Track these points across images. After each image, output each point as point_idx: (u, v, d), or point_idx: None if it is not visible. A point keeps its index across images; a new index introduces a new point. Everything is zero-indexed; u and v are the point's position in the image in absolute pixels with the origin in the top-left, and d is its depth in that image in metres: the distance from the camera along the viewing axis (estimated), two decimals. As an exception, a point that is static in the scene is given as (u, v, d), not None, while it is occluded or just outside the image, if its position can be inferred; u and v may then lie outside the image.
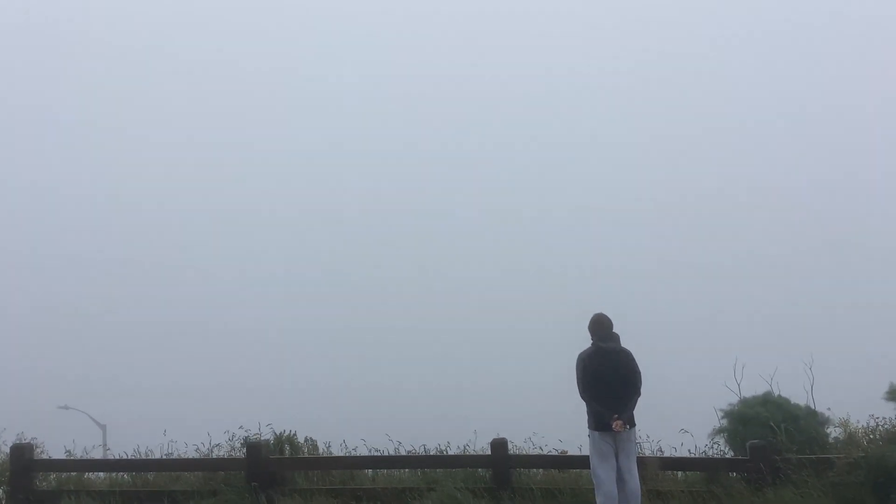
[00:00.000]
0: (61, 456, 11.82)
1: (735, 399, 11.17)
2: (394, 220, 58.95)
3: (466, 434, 11.29)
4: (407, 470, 11.11)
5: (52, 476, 11.70)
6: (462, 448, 11.13)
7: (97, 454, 12.73)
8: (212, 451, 11.63)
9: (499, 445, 10.42)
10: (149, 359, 44.73)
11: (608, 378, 9.05)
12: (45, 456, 11.76)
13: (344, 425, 12.60)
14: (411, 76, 64.39)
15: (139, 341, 47.15)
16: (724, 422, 10.94)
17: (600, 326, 9.30)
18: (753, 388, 11.26)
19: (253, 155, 62.63)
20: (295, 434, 11.50)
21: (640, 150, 60.94)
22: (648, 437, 10.58)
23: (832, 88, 57.30)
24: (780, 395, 10.98)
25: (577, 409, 9.36)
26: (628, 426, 8.98)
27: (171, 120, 62.97)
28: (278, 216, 59.30)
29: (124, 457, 11.85)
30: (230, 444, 11.60)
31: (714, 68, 63.01)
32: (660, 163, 59.79)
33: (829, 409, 10.81)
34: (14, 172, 57.82)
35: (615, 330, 9.35)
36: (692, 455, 10.64)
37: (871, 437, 10.12)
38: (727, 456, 10.64)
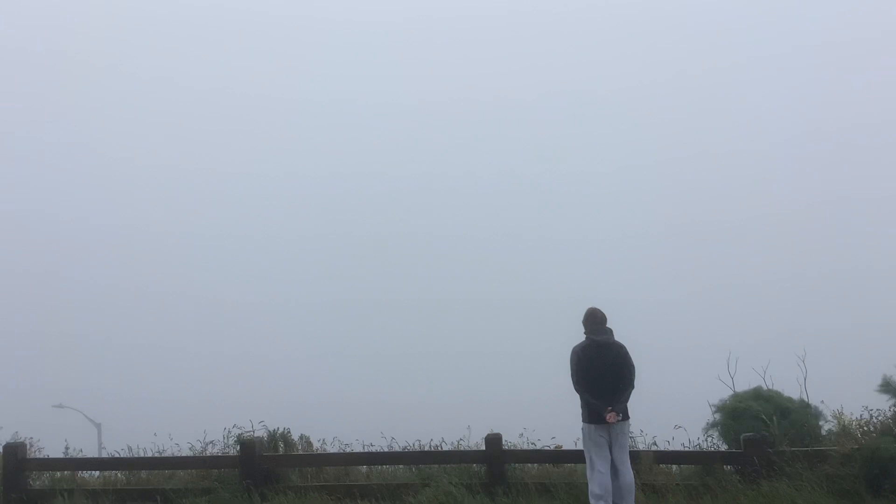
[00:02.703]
0: (55, 455, 11.80)
1: (728, 393, 11.18)
2: (389, 216, 58.88)
3: (460, 429, 11.28)
4: (401, 466, 11.09)
5: (46, 475, 11.66)
6: (456, 443, 11.11)
7: (91, 453, 12.69)
8: (205, 449, 11.60)
9: (493, 441, 10.40)
10: (143, 357, 44.71)
11: (602, 371, 9.07)
12: (39, 455, 11.72)
13: (338, 422, 12.58)
14: (414, 90, 64.43)
15: (134, 340, 47.10)
16: (718, 415, 10.94)
17: (594, 320, 9.32)
18: (747, 381, 11.28)
19: (258, 167, 62.53)
20: (289, 431, 11.46)
21: (637, 147, 60.97)
22: (642, 431, 10.59)
23: (829, 107, 57.47)
24: (772, 389, 10.99)
25: (571, 403, 9.37)
26: (621, 416, 8.99)
27: (175, 133, 62.92)
28: (278, 213, 59.19)
29: (118, 455, 11.82)
30: (224, 442, 11.58)
31: (715, 86, 63.19)
32: (657, 158, 59.77)
33: (822, 401, 10.82)
34: (11, 171, 57.66)
35: (609, 324, 9.36)
36: (686, 448, 10.64)
37: (865, 429, 10.12)
38: (721, 449, 10.64)
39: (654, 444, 10.63)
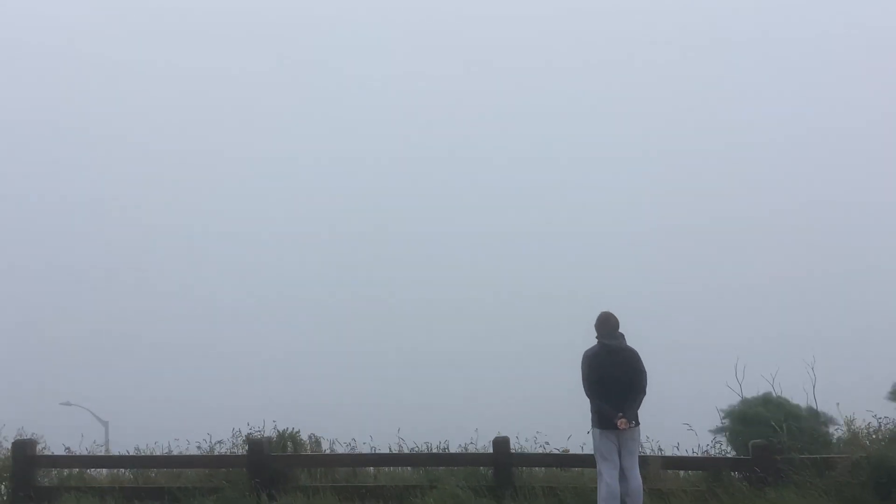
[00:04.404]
0: (63, 452, 11.84)
1: (737, 399, 11.17)
2: (396, 217, 58.87)
3: (468, 432, 11.29)
4: (409, 468, 11.10)
5: (54, 472, 11.70)
6: (464, 446, 11.12)
7: (99, 450, 12.72)
8: (214, 448, 11.62)
9: (501, 443, 10.40)
10: (151, 355, 44.83)
11: (614, 376, 9.02)
12: (47, 452, 11.76)
13: (346, 423, 12.60)
14: (411, 84, 64.38)
15: (142, 338, 47.24)
16: (726, 421, 10.93)
17: (607, 324, 9.27)
18: (755, 387, 11.26)
19: (259, 170, 62.62)
20: (298, 431, 11.50)
21: (646, 152, 60.86)
22: (649, 437, 10.57)
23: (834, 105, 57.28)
24: (781, 395, 10.98)
25: (579, 407, 9.35)
26: (632, 423, 8.97)
27: (172, 131, 63.07)
28: (283, 212, 59.26)
29: (126, 453, 11.86)
30: (233, 441, 11.61)
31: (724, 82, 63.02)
32: (666, 168, 59.61)
33: (838, 403, 10.78)
34: (15, 175, 57.85)
35: (620, 329, 9.33)
36: (694, 454, 10.63)
37: (874, 437, 10.10)
38: (729, 455, 10.63)
39: (661, 449, 10.63)
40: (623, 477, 8.99)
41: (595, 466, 9.24)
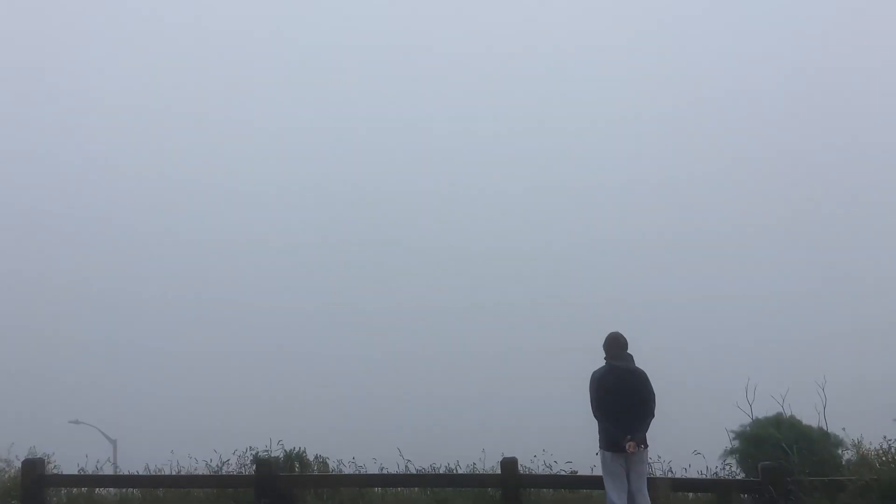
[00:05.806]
0: (72, 471, 11.86)
1: (747, 420, 11.12)
2: (403, 235, 58.89)
3: (476, 452, 11.24)
4: (416, 489, 11.07)
5: (63, 491, 11.73)
6: (471, 467, 11.08)
7: (107, 469, 12.75)
8: (222, 468, 11.63)
9: (509, 464, 10.36)
10: (160, 374, 44.89)
11: (622, 398, 8.97)
12: (56, 470, 11.79)
13: (354, 443, 12.59)
14: (416, 78, 64.16)
15: (150, 356, 47.32)
16: (736, 443, 10.88)
17: (616, 345, 9.22)
18: (765, 408, 11.20)
19: (265, 179, 62.65)
20: (305, 451, 11.51)
21: (644, 160, 60.68)
22: (660, 457, 10.52)
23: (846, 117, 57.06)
24: (792, 416, 10.92)
25: (587, 428, 9.31)
26: (641, 446, 8.92)
27: (176, 128, 63.10)
28: (288, 226, 59.24)
29: (134, 472, 11.88)
30: (240, 461, 11.62)
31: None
32: (675, 187, 59.44)
33: (843, 429, 10.73)
34: (21, 193, 58.11)
35: (629, 350, 9.30)
36: (703, 476, 10.57)
37: (884, 459, 10.04)
38: (739, 477, 10.57)
39: (671, 470, 10.58)
40: (632, 499, 8.94)
41: (603, 488, 9.20)
